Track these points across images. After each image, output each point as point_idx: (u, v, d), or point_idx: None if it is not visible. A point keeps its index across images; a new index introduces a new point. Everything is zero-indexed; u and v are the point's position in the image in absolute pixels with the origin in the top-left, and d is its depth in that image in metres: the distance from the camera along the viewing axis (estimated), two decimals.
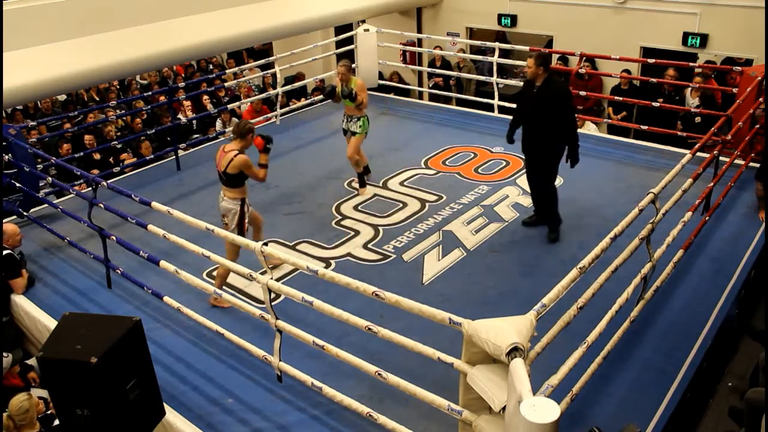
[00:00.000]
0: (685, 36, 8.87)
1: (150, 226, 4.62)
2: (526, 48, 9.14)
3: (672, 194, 4.55)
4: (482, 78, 10.04)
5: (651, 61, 7.83)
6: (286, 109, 9.59)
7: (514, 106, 8.73)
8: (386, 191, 6.90)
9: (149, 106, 8.96)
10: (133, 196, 4.83)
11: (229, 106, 9.43)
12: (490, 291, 5.18)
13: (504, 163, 7.41)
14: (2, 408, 4.11)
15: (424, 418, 3.76)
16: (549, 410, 2.25)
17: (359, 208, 6.58)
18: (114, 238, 5.17)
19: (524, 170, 7.14)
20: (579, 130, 8.14)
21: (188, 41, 8.16)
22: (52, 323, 4.95)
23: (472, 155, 7.64)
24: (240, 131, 4.88)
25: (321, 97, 9.96)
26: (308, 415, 4.04)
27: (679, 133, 7.47)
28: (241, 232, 4.95)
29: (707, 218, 5.58)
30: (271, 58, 9.66)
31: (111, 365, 2.67)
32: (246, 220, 5.02)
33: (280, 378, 4.16)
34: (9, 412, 4.05)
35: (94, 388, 2.66)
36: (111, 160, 8.24)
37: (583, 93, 8.20)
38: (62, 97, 10.30)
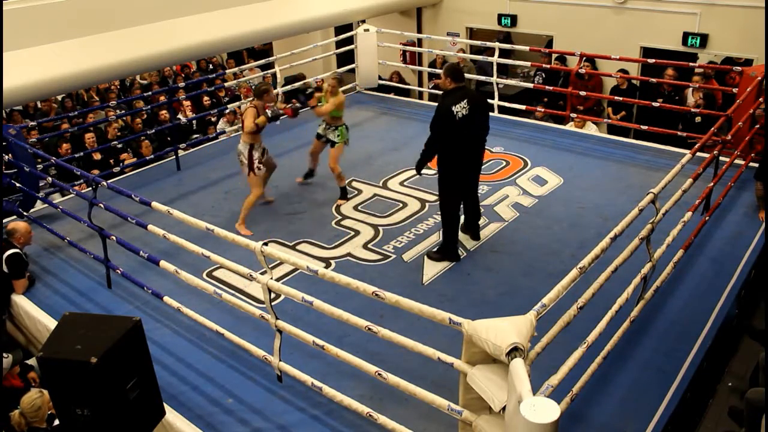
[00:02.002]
0: (685, 36, 8.87)
1: (150, 226, 4.62)
2: (526, 48, 9.18)
3: (672, 194, 4.55)
4: (482, 78, 10.04)
5: (651, 61, 7.84)
6: None
7: (514, 105, 8.86)
8: (386, 191, 6.90)
9: (149, 106, 8.96)
10: (133, 196, 4.83)
11: (230, 106, 9.43)
12: (490, 291, 5.18)
13: (504, 163, 7.40)
14: (2, 409, 4.11)
15: (424, 418, 3.76)
16: (549, 410, 2.25)
17: (359, 208, 6.58)
18: (114, 238, 5.17)
19: (523, 170, 7.21)
20: (580, 130, 8.30)
21: (188, 41, 8.16)
22: (52, 323, 4.95)
23: None
24: (256, 92, 6.03)
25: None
26: (308, 415, 4.04)
27: (679, 133, 7.47)
28: (251, 168, 6.01)
29: (707, 218, 5.58)
30: (271, 58, 9.66)
31: (111, 365, 2.67)
32: (256, 161, 6.00)
33: (280, 378, 4.16)
34: (21, 410, 4.07)
35: (94, 388, 2.66)
36: (111, 160, 8.24)
37: (583, 93, 8.21)
38: (60, 96, 10.29)
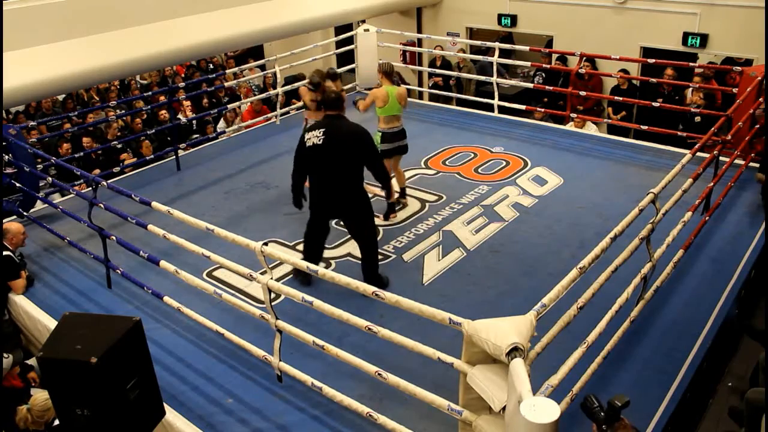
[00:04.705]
0: (685, 36, 8.87)
1: (150, 226, 4.61)
2: (527, 48, 9.18)
3: (672, 194, 4.55)
4: (482, 78, 10.05)
5: (651, 61, 7.84)
6: (286, 109, 9.59)
7: (514, 105, 8.85)
8: None
9: (149, 106, 8.96)
10: (133, 196, 4.83)
11: (230, 106, 9.43)
12: (490, 291, 5.18)
13: (504, 163, 7.40)
14: (2, 409, 4.11)
15: (424, 418, 3.76)
16: (549, 410, 2.25)
17: None
18: (114, 238, 5.17)
19: (523, 170, 7.21)
20: (580, 130, 8.30)
21: (188, 41, 8.16)
22: (52, 323, 4.95)
23: (472, 155, 7.64)
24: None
25: None
26: (308, 415, 4.04)
27: (679, 133, 7.47)
28: None
29: (707, 218, 5.58)
30: (270, 59, 9.65)
31: (111, 365, 2.67)
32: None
33: (280, 378, 4.16)
34: (30, 406, 4.09)
35: (94, 388, 2.66)
36: (111, 159, 8.24)
37: (583, 93, 8.21)
38: (61, 96, 10.29)
